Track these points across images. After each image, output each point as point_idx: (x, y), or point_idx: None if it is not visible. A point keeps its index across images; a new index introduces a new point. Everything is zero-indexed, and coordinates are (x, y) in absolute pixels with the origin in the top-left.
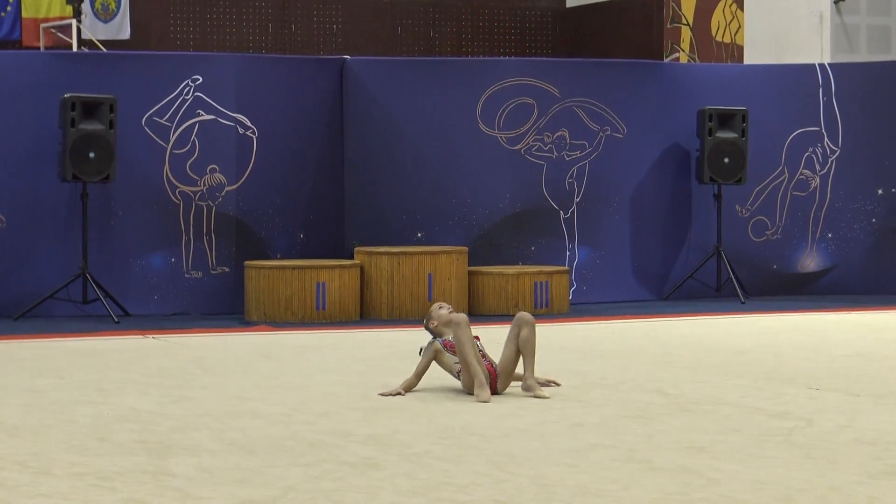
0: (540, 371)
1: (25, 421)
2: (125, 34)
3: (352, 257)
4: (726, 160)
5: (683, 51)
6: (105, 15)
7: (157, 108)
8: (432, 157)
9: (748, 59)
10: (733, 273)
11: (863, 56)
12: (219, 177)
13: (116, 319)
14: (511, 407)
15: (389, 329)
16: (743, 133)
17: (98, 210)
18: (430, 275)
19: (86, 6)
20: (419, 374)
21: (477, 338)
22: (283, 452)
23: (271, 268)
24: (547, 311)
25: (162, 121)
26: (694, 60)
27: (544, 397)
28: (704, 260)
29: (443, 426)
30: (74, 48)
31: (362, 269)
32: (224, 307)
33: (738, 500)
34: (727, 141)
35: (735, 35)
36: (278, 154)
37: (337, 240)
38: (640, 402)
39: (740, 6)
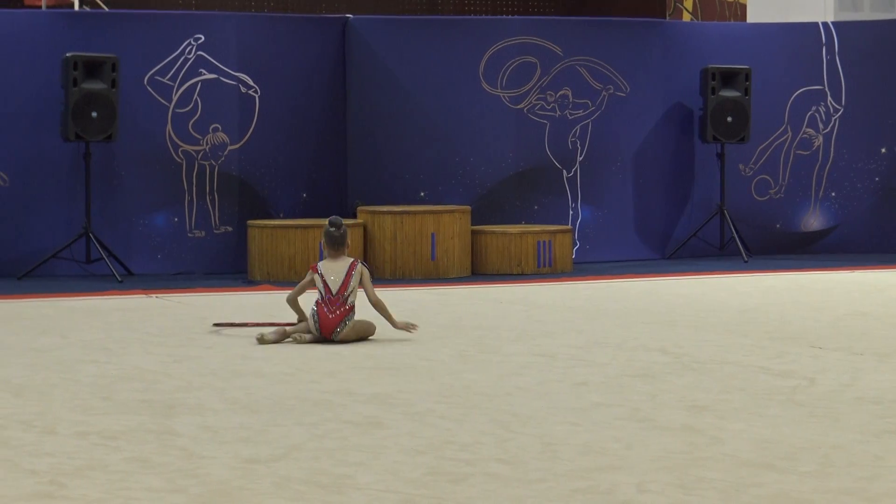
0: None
1: (30, 380)
2: None
3: (355, 216)
4: (729, 119)
5: (686, 9)
6: None
7: (159, 67)
8: (435, 116)
9: (751, 18)
10: (736, 232)
11: (866, 14)
12: (221, 136)
13: (119, 279)
14: (514, 366)
15: (392, 288)
16: (746, 91)
17: (101, 169)
18: (433, 234)
19: None
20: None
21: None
22: (286, 412)
23: (274, 227)
24: (550, 270)
25: (164, 80)
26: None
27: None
28: (708, 219)
29: (446, 385)
30: (76, 7)
31: (365, 228)
32: (227, 266)
33: (742, 458)
34: (730, 99)
35: None
36: (281, 113)
37: (340, 199)
38: (644, 361)
39: None
